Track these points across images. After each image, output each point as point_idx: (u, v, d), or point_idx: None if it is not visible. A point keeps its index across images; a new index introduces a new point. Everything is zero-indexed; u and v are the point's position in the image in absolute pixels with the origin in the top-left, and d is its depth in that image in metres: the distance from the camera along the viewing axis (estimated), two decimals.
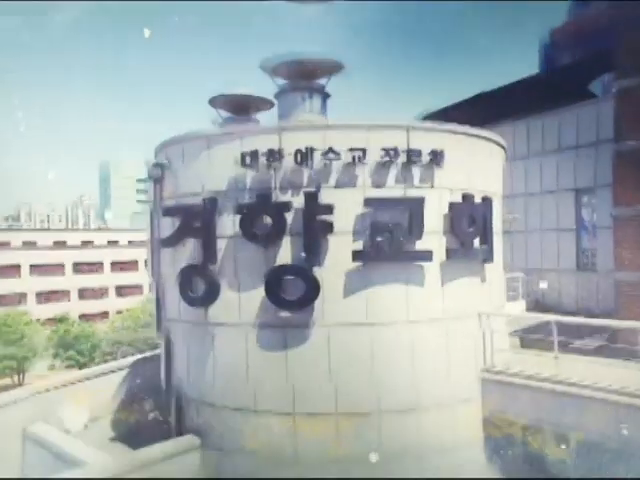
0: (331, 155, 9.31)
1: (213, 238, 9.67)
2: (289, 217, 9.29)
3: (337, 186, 9.41)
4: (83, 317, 44.80)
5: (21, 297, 46.88)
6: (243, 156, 9.47)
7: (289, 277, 9.25)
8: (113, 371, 13.39)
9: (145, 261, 55.15)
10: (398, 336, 9.53)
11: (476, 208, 10.30)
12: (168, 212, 10.34)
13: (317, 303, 9.26)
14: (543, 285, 16.71)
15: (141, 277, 54.61)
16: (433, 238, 9.62)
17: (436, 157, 9.64)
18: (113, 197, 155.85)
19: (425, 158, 9.58)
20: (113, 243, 59.46)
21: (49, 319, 42.87)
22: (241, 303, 9.58)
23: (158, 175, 10.56)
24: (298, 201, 9.32)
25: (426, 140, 9.74)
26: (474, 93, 23.44)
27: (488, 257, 10.64)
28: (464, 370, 10.03)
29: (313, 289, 9.17)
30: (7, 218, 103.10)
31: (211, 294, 9.73)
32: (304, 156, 9.30)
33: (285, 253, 9.33)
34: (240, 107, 13.99)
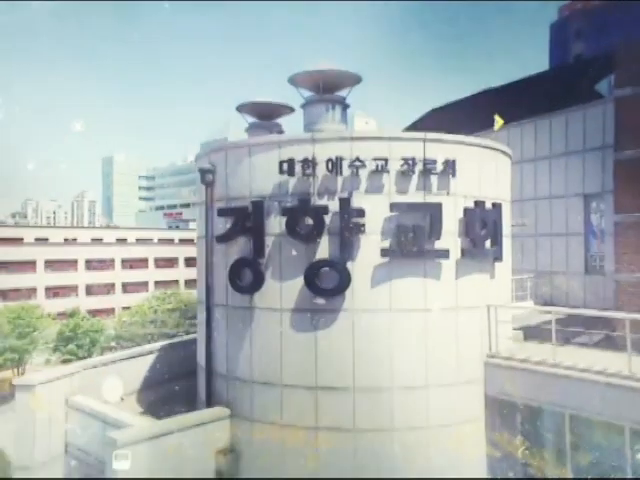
0: (357, 164, 10.52)
1: (262, 236, 10.85)
2: (327, 219, 10.51)
3: (366, 192, 10.60)
4: (89, 312, 45.71)
5: (31, 292, 47.98)
6: (281, 164, 10.73)
7: (325, 269, 10.51)
8: (143, 354, 14.84)
9: (154, 259, 56.21)
10: (415, 322, 10.60)
11: (487, 213, 11.37)
12: (222, 213, 11.53)
13: (347, 292, 10.49)
14: (546, 289, 17.27)
15: (149, 274, 55.81)
16: (450, 239, 10.78)
17: (449, 166, 10.77)
18: (115, 194, 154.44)
19: (439, 167, 10.71)
20: (121, 241, 60.56)
21: (60, 313, 43.91)
22: (282, 291, 10.83)
23: (210, 180, 11.74)
24: (334, 204, 10.50)
25: (440, 150, 10.79)
26: (479, 90, 24.29)
27: (498, 257, 11.73)
28: (470, 354, 11.09)
29: (345, 280, 10.43)
30: (14, 215, 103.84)
31: (257, 283, 10.95)
32: (334, 165, 10.53)
33: (323, 249, 10.55)
34: (264, 113, 15.20)
